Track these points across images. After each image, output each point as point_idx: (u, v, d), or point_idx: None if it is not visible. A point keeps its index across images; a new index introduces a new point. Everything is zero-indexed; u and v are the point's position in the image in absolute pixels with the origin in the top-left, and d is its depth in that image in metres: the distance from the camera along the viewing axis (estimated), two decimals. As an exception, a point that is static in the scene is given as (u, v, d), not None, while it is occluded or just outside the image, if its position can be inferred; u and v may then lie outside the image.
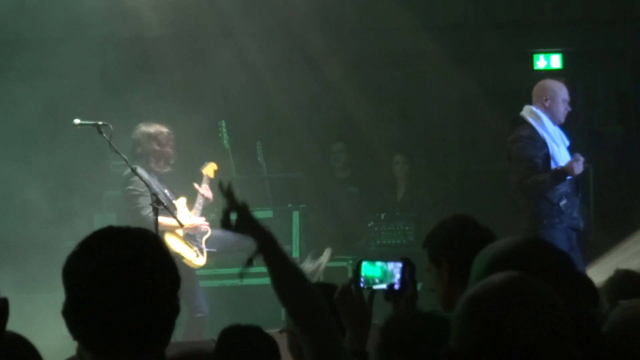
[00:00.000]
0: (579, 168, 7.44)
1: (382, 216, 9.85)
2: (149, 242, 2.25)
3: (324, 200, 10.06)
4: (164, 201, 7.66)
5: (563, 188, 7.44)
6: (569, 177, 7.50)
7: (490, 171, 9.99)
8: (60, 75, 9.56)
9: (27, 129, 9.19)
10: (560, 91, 7.70)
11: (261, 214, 8.75)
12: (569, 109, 7.65)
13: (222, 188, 3.00)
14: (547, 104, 7.53)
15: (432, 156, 11.07)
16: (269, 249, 2.92)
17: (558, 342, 1.90)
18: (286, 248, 8.95)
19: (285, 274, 2.92)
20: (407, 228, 9.75)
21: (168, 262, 2.24)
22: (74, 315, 2.19)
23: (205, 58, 10.10)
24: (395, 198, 10.34)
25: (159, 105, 9.46)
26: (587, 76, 11.13)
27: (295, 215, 8.93)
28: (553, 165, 7.50)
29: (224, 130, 9.34)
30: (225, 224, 2.95)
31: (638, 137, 10.34)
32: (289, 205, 9.14)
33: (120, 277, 2.17)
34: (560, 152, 7.47)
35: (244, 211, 2.96)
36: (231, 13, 9.93)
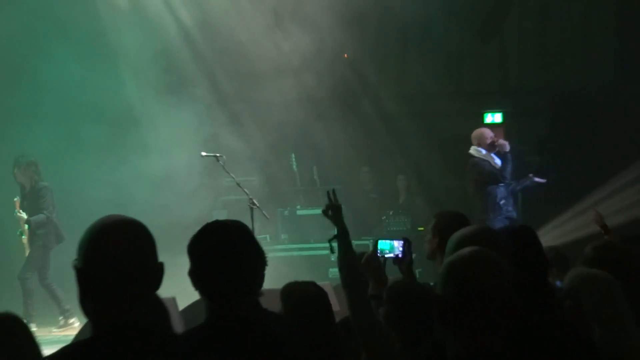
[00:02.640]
0: (506, 146, 8.59)
1: (391, 212, 11.42)
2: (242, 228, 2.64)
3: (355, 203, 11.02)
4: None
5: (504, 194, 8.84)
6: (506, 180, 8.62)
7: (459, 186, 10.62)
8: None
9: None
10: (485, 134, 8.78)
11: (314, 211, 10.82)
12: (495, 139, 8.73)
13: (329, 193, 3.57)
14: (480, 145, 8.78)
15: (422, 176, 12.39)
16: (343, 236, 3.42)
17: (506, 292, 2.20)
18: (330, 233, 11.26)
19: (346, 253, 3.38)
20: (405, 221, 11.32)
21: (254, 240, 2.66)
22: (196, 275, 2.58)
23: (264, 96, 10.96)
24: (398, 202, 11.97)
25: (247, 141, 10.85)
26: (519, 127, 12.44)
27: (336, 212, 10.66)
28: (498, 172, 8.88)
29: (293, 159, 11.38)
30: (325, 213, 3.54)
31: (550, 164, 11.68)
32: (332, 206, 10.83)
33: (226, 250, 2.56)
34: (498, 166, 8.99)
35: (338, 209, 3.52)
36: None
